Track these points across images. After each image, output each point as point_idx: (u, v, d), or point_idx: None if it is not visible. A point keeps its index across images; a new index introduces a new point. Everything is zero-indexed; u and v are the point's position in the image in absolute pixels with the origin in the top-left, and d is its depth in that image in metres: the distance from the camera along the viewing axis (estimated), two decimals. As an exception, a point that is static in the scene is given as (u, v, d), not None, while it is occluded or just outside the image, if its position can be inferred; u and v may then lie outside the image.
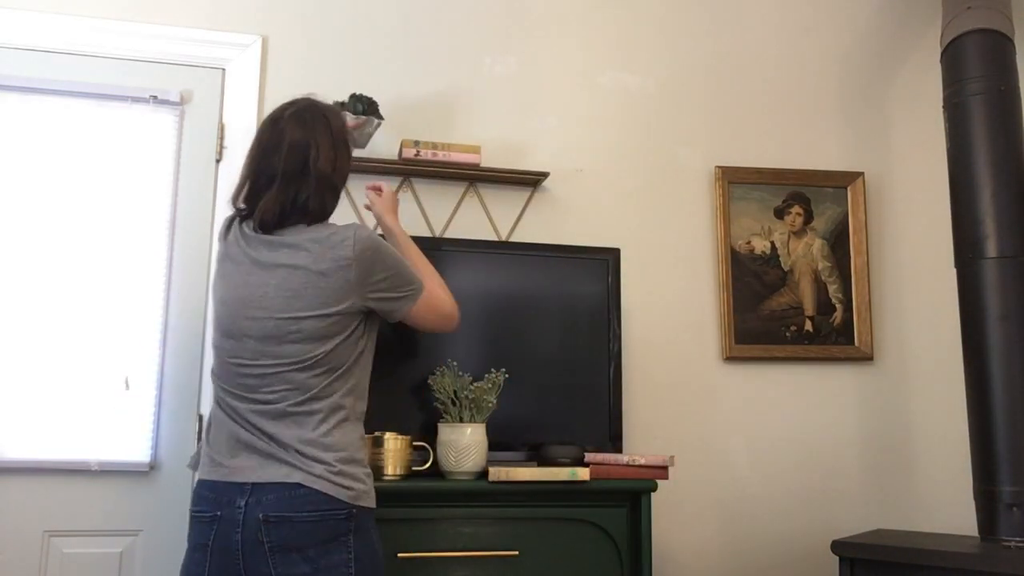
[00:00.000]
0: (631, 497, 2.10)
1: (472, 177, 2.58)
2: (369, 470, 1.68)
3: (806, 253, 2.79)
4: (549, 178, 2.67)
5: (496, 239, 2.58)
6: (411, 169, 2.52)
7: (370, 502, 1.63)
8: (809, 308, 2.76)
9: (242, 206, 1.73)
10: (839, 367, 2.78)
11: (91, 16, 2.45)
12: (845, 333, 2.76)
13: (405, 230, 2.04)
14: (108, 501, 2.30)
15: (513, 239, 2.60)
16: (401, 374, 2.21)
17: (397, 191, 2.55)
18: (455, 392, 2.10)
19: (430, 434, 2.14)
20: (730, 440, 2.68)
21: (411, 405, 2.21)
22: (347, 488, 1.58)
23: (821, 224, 2.81)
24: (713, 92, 2.84)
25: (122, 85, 2.44)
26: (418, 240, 2.32)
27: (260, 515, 1.54)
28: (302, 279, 1.62)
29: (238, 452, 1.61)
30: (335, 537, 1.56)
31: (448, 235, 2.56)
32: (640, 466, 2.09)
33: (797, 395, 2.74)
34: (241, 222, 1.73)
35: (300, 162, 1.68)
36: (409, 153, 2.48)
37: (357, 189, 2.42)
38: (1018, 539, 2.24)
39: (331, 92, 2.49)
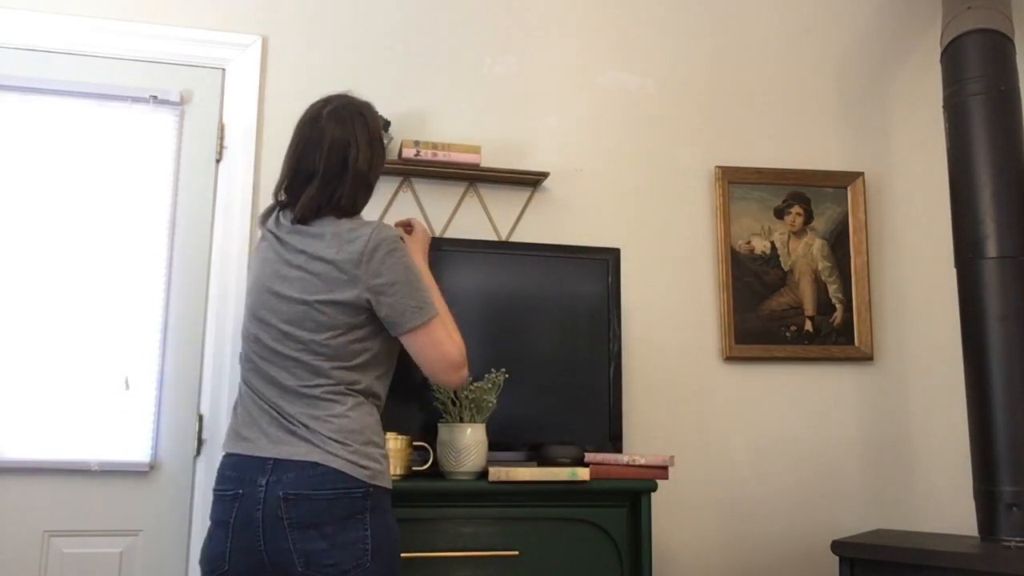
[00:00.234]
0: (631, 497, 2.10)
1: (472, 177, 2.58)
2: (386, 452, 1.71)
3: (806, 253, 2.79)
4: (549, 178, 2.67)
5: (496, 239, 2.58)
6: (411, 169, 2.52)
7: (386, 483, 1.67)
8: (809, 308, 2.76)
9: (283, 197, 1.78)
10: (839, 367, 2.78)
11: (91, 16, 2.45)
12: (845, 333, 2.76)
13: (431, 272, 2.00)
14: (108, 501, 2.30)
15: (513, 239, 2.60)
16: (401, 374, 2.20)
17: (396, 192, 2.55)
18: (455, 392, 2.10)
19: (430, 434, 2.14)
20: (730, 440, 2.69)
21: (411, 405, 2.21)
22: (364, 468, 1.62)
23: (821, 224, 2.81)
24: (713, 92, 2.84)
25: (122, 85, 2.44)
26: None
27: (280, 493, 1.59)
28: (320, 268, 1.68)
29: (261, 430, 1.66)
30: (352, 514, 1.60)
31: (448, 235, 2.56)
32: (640, 466, 2.09)
33: (797, 395, 2.74)
34: (280, 211, 1.78)
35: (340, 160, 1.73)
36: (409, 153, 2.48)
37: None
38: (1018, 539, 2.24)
39: (331, 92, 2.50)
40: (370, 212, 2.18)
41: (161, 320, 2.39)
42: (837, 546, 2.30)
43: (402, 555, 1.92)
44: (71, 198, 2.38)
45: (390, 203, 2.55)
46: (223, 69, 2.52)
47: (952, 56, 2.53)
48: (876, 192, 2.88)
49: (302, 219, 1.72)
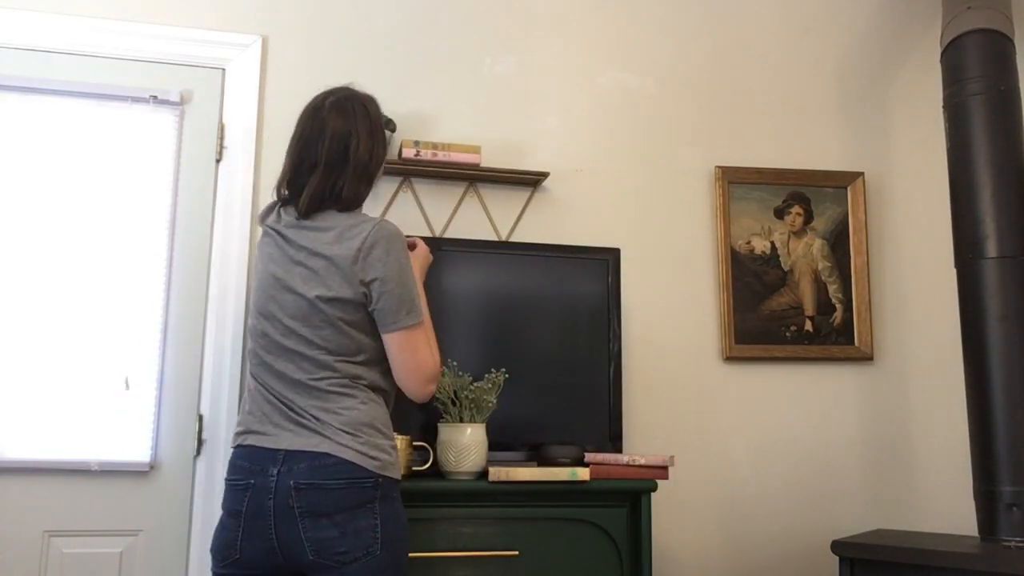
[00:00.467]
0: (631, 497, 2.10)
1: (472, 177, 2.58)
2: (395, 443, 1.73)
3: (806, 253, 2.79)
4: (549, 178, 2.67)
5: (496, 239, 2.58)
6: (411, 169, 2.52)
7: (395, 473, 1.69)
8: (809, 308, 2.76)
9: (284, 193, 1.79)
10: (839, 367, 2.78)
11: (91, 16, 2.45)
12: (845, 333, 2.76)
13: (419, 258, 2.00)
14: (108, 501, 2.30)
15: (513, 239, 2.60)
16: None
17: (396, 192, 2.55)
18: (455, 392, 2.10)
19: (430, 434, 2.14)
20: (730, 440, 2.69)
21: (411, 405, 2.20)
22: (373, 458, 1.64)
23: (821, 224, 2.81)
24: (713, 92, 2.84)
25: (122, 85, 2.44)
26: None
27: (291, 482, 1.61)
28: (320, 264, 1.70)
29: (272, 423, 1.68)
30: (362, 504, 1.62)
31: (448, 235, 2.56)
32: (640, 466, 2.09)
33: (797, 395, 2.74)
34: (282, 207, 1.80)
35: (341, 151, 1.75)
36: (409, 153, 2.48)
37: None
38: (1018, 539, 2.24)
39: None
40: (370, 212, 2.18)
41: (161, 320, 2.39)
42: (837, 546, 2.30)
43: (402, 555, 1.92)
44: (71, 198, 2.38)
45: (390, 203, 2.55)
46: (223, 69, 2.52)
47: (952, 56, 2.53)
48: (876, 192, 2.88)
49: (305, 212, 1.73)
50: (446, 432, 2.07)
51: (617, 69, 2.79)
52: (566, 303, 2.38)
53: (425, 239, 2.33)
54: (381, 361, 1.74)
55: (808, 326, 2.75)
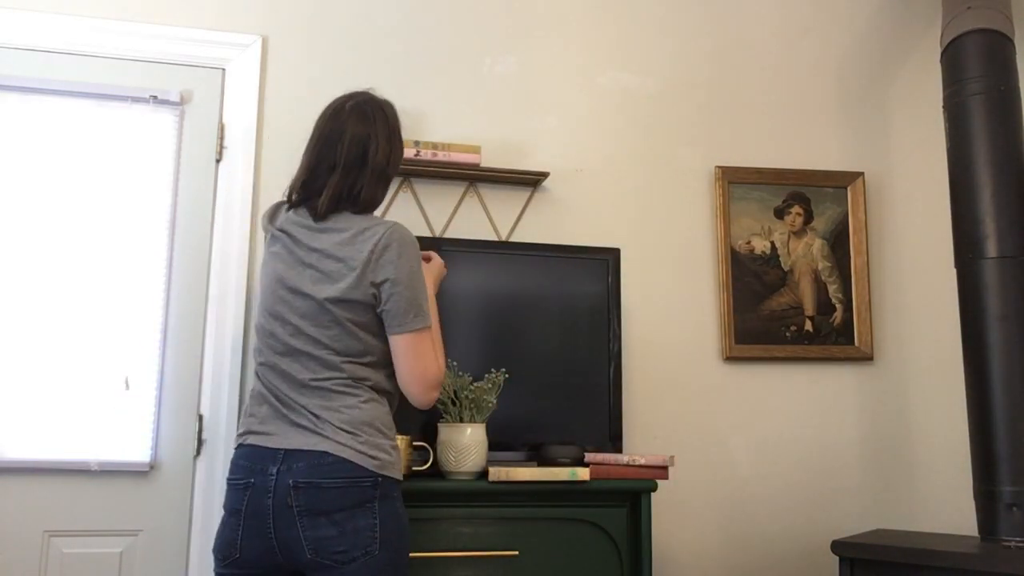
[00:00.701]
0: (631, 497, 2.10)
1: (472, 177, 2.58)
2: (396, 443, 1.73)
3: (806, 253, 2.79)
4: (549, 178, 2.67)
5: (496, 239, 2.58)
6: (411, 169, 2.52)
7: (396, 473, 1.69)
8: (809, 308, 2.76)
9: (296, 195, 1.80)
10: (839, 367, 2.78)
11: (91, 16, 2.45)
12: (845, 333, 2.76)
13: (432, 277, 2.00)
14: (108, 501, 2.30)
15: (513, 239, 2.60)
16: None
17: (396, 192, 2.55)
18: (455, 392, 2.10)
19: (430, 434, 2.14)
20: (730, 440, 2.69)
21: (411, 405, 2.21)
22: (373, 458, 1.65)
23: (821, 224, 2.81)
24: (713, 92, 2.84)
25: (122, 85, 2.44)
26: (418, 240, 2.33)
27: (290, 481, 1.62)
28: (332, 266, 1.71)
29: (274, 422, 1.69)
30: (361, 503, 1.62)
31: (448, 235, 2.56)
32: (640, 466, 2.09)
33: (797, 395, 2.74)
34: (289, 208, 1.81)
35: (360, 154, 1.77)
36: (409, 153, 2.48)
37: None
38: (1018, 539, 2.24)
39: (331, 92, 2.49)
40: (370, 212, 2.19)
41: (161, 320, 2.39)
42: (837, 546, 2.30)
43: (402, 555, 1.92)
44: (71, 198, 2.38)
45: (390, 203, 2.55)
46: (223, 69, 2.52)
47: (952, 56, 2.53)
48: (876, 192, 2.88)
49: (322, 213, 1.74)
50: (446, 432, 2.07)
51: (617, 69, 2.79)
52: (566, 303, 2.38)
53: (425, 239, 2.33)
54: (387, 363, 1.75)
55: (808, 326, 2.75)
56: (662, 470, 2.09)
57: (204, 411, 2.38)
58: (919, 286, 2.85)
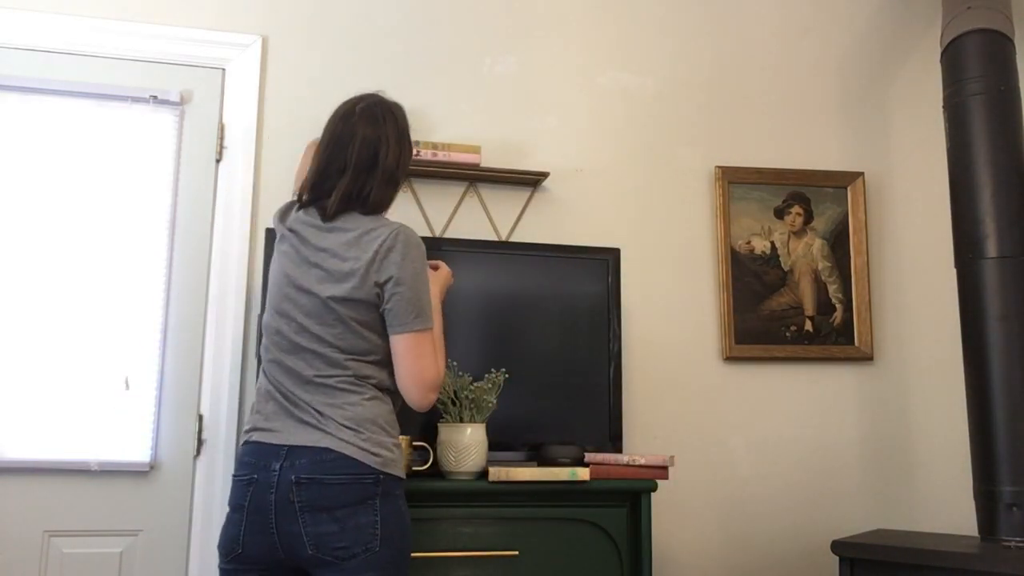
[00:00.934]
0: (631, 497, 2.10)
1: (472, 177, 2.58)
2: (398, 441, 1.74)
3: (806, 253, 2.79)
4: (549, 178, 2.67)
5: (496, 239, 2.58)
6: (411, 169, 2.51)
7: (398, 471, 1.70)
8: (809, 308, 2.76)
9: (306, 196, 1.81)
10: (839, 367, 2.78)
11: (91, 16, 2.45)
12: (845, 333, 2.76)
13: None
14: (108, 501, 2.30)
15: (513, 239, 2.60)
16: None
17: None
18: (455, 392, 2.10)
19: (430, 434, 2.14)
20: (730, 440, 2.69)
21: (411, 405, 2.21)
22: (375, 455, 1.66)
23: (821, 224, 2.81)
24: (713, 92, 2.84)
25: (122, 85, 2.44)
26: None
27: (293, 477, 1.62)
28: (338, 266, 1.72)
29: (279, 419, 1.70)
30: (363, 500, 1.63)
31: (448, 235, 2.56)
32: (640, 466, 2.09)
33: (797, 395, 2.74)
34: (299, 208, 1.82)
35: (370, 156, 1.78)
36: (409, 153, 2.48)
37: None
38: (1018, 539, 2.24)
39: (331, 92, 2.49)
40: (370, 212, 2.18)
41: (161, 320, 2.39)
42: (837, 546, 2.30)
43: (402, 555, 1.92)
44: (71, 198, 2.38)
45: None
46: (223, 69, 2.52)
47: (952, 56, 2.53)
48: (876, 192, 2.88)
49: (331, 214, 1.75)
50: (446, 432, 2.07)
51: (617, 69, 2.79)
52: (566, 303, 2.38)
53: (425, 239, 2.32)
54: (392, 362, 1.76)
55: (808, 326, 2.75)
56: (662, 470, 2.09)
57: (204, 411, 2.38)
58: (919, 286, 2.85)
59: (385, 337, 1.74)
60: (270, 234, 2.29)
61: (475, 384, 2.11)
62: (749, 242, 2.76)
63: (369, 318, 1.72)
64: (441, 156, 2.50)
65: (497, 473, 2.01)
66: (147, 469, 2.33)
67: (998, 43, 2.48)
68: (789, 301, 2.75)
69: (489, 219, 2.61)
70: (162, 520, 2.32)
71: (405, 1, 2.68)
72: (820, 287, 2.78)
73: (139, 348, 2.37)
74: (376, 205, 1.79)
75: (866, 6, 2.99)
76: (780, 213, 2.79)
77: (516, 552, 2.01)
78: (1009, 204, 2.39)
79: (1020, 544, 2.22)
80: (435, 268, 1.99)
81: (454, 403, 2.10)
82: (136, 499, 2.31)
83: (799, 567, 2.66)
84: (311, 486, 1.62)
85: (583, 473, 2.04)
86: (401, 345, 1.72)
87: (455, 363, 2.23)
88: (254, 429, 1.72)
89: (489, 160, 2.62)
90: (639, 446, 2.61)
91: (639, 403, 2.64)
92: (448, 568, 1.98)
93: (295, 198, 1.86)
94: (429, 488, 1.99)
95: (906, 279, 2.85)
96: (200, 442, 2.37)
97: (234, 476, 1.72)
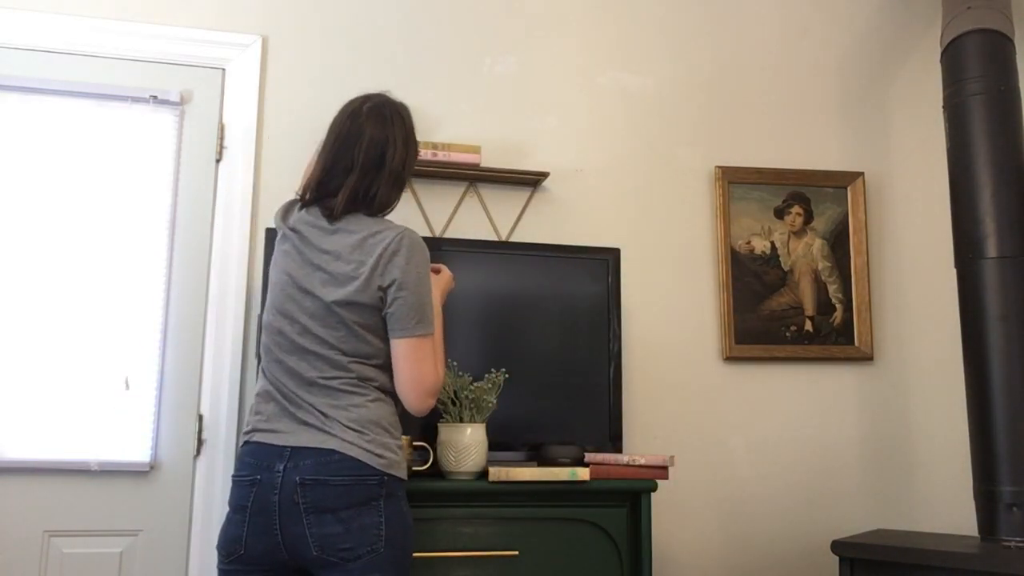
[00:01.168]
0: (631, 497, 2.10)
1: (472, 177, 2.58)
2: (401, 443, 1.74)
3: (806, 253, 2.79)
4: (549, 178, 2.67)
5: (496, 239, 2.58)
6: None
7: (401, 472, 1.70)
8: (809, 308, 2.76)
9: (309, 195, 1.80)
10: (839, 367, 2.78)
11: (91, 16, 2.45)
12: (845, 333, 2.76)
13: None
14: (108, 501, 2.30)
15: (513, 239, 2.60)
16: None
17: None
18: (455, 392, 2.10)
19: (430, 434, 2.14)
20: (730, 440, 2.69)
21: (411, 405, 2.21)
22: (379, 456, 1.66)
23: (821, 224, 2.81)
24: (713, 92, 2.84)
25: (122, 85, 2.44)
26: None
27: (297, 478, 1.62)
28: (341, 269, 1.71)
29: (281, 419, 1.70)
30: (367, 501, 1.63)
31: (448, 235, 2.56)
32: (640, 466, 2.09)
33: (797, 395, 2.74)
34: (302, 207, 1.80)
35: (378, 157, 1.78)
36: (409, 153, 2.48)
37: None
38: (1018, 539, 2.24)
39: (331, 92, 2.50)
40: (370, 212, 2.18)
41: (161, 320, 2.39)
42: (837, 546, 2.30)
43: (402, 555, 1.92)
44: (71, 198, 2.38)
45: (390, 203, 2.55)
46: (223, 69, 2.52)
47: (952, 56, 2.53)
48: (876, 192, 2.88)
49: (337, 214, 1.75)
50: (446, 432, 2.07)
51: (617, 69, 2.79)
52: (566, 303, 2.38)
53: (425, 239, 2.32)
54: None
55: (808, 326, 2.75)
56: (662, 470, 2.09)
57: (204, 411, 2.38)
58: (919, 286, 2.85)
59: (388, 341, 1.73)
60: (270, 234, 2.29)
61: (475, 384, 2.11)
62: (749, 242, 2.76)
63: (372, 322, 1.71)
64: (441, 156, 2.50)
65: (497, 473, 2.01)
66: (147, 469, 2.33)
67: (998, 43, 2.48)
68: (789, 301, 2.75)
69: (489, 219, 2.61)
70: (162, 520, 2.32)
71: (405, 1, 2.68)
72: (820, 287, 2.78)
73: (139, 348, 2.37)
74: (382, 206, 1.79)
75: (866, 6, 2.99)
76: (780, 213, 2.79)
77: (516, 552, 2.01)
78: (1009, 204, 2.39)
79: (1020, 544, 2.22)
80: (436, 272, 1.98)
81: (454, 403, 2.10)
82: (136, 499, 2.32)
83: (799, 567, 2.66)
84: (316, 487, 1.61)
85: (583, 473, 2.04)
86: (401, 350, 1.71)
87: (455, 363, 2.23)
88: (255, 430, 1.72)
89: (489, 160, 2.62)
90: (639, 446, 2.61)
91: (639, 403, 2.64)
92: (448, 568, 1.98)
93: (297, 196, 1.85)
94: (429, 488, 1.99)
95: (906, 279, 2.85)
96: (200, 442, 2.37)
97: (234, 476, 1.71)
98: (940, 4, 2.66)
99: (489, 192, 2.63)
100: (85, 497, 2.29)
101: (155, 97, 2.44)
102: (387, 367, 1.74)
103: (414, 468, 2.09)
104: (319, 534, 1.60)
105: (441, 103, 2.65)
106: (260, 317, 1.91)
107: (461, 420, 2.08)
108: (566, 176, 2.70)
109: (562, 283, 2.39)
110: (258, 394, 1.77)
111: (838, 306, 2.77)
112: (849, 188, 2.83)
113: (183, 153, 2.47)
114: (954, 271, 2.50)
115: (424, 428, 2.18)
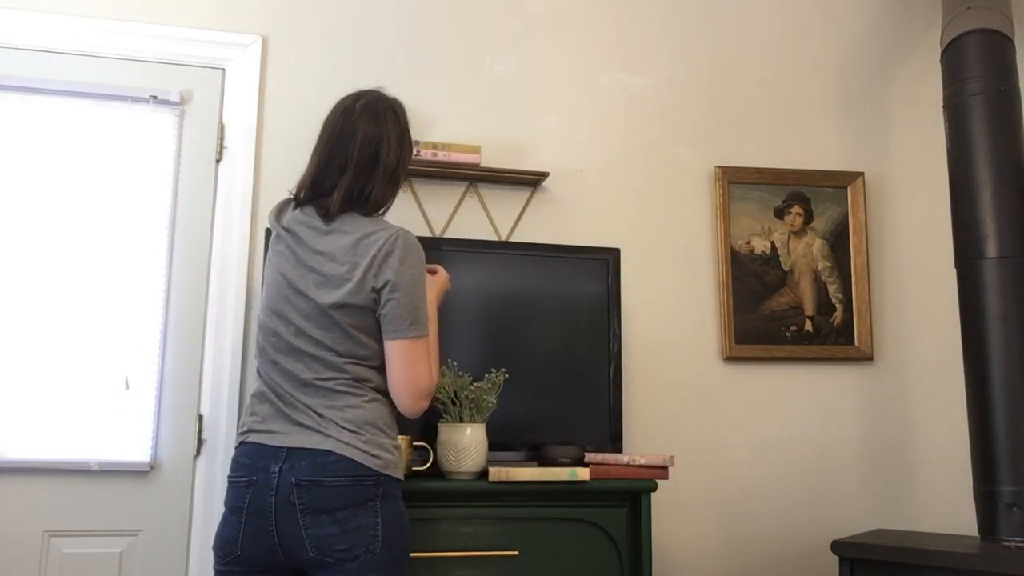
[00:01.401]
0: (631, 497, 2.10)
1: (472, 177, 2.58)
2: (398, 443, 1.73)
3: (806, 253, 2.79)
4: (549, 178, 2.67)
5: (496, 239, 2.58)
6: (411, 169, 2.52)
7: (398, 473, 1.69)
8: (809, 308, 2.76)
9: (303, 194, 1.79)
10: (839, 367, 2.78)
11: (91, 16, 2.45)
12: (845, 333, 2.76)
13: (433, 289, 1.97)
14: (108, 501, 2.30)
15: (513, 239, 2.60)
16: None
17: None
18: (455, 392, 2.10)
19: (430, 434, 2.14)
20: (730, 440, 2.69)
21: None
22: (375, 456, 1.65)
23: (821, 224, 2.81)
24: (713, 92, 2.84)
25: (122, 85, 2.44)
26: (418, 240, 2.33)
27: (293, 479, 1.62)
28: (334, 270, 1.70)
29: (277, 420, 1.69)
30: (364, 501, 1.63)
31: (448, 235, 2.56)
32: (640, 466, 2.09)
33: (797, 395, 2.74)
34: (297, 207, 1.79)
35: (372, 155, 1.76)
36: (409, 153, 2.48)
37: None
38: (1018, 539, 2.24)
39: (331, 92, 2.49)
40: (370, 212, 2.18)
41: (161, 320, 2.39)
42: (837, 546, 2.30)
43: (402, 555, 1.92)
44: (71, 198, 2.38)
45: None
46: (223, 69, 2.52)
47: (952, 56, 2.53)
48: (876, 192, 2.88)
49: (333, 214, 1.73)
50: (446, 432, 2.07)
51: (617, 69, 2.79)
52: (566, 303, 2.38)
53: (425, 239, 2.33)
54: None
55: (808, 326, 2.75)
56: (662, 470, 2.09)
57: (204, 411, 2.38)
58: (919, 286, 2.85)
59: (383, 342, 1.72)
60: (270, 234, 2.29)
61: (475, 384, 2.11)
62: (749, 242, 2.76)
63: (367, 323, 1.70)
64: (441, 156, 2.50)
65: (497, 473, 2.01)
66: (147, 469, 2.33)
67: (998, 43, 2.48)
68: (789, 301, 2.75)
69: (489, 219, 2.61)
70: (162, 520, 2.32)
71: (405, 1, 2.68)
72: (820, 287, 2.78)
73: (139, 348, 2.37)
74: (377, 205, 1.78)
75: (866, 6, 2.99)
76: (780, 213, 2.79)
77: (516, 552, 2.01)
78: (1009, 204, 2.39)
79: (1020, 544, 2.22)
80: (432, 272, 1.97)
81: (454, 403, 2.10)
82: (136, 499, 2.32)
83: (799, 567, 2.66)
84: (312, 488, 1.61)
85: (583, 473, 2.04)
86: (395, 351, 1.71)
87: (455, 363, 2.23)
88: (250, 431, 1.71)
89: (489, 160, 2.62)
90: (639, 446, 2.61)
91: (639, 403, 2.64)
92: (448, 568, 1.98)
93: (291, 195, 1.83)
94: (429, 488, 1.99)
95: (906, 279, 2.85)
96: (200, 442, 2.37)
97: (230, 477, 1.71)
98: (940, 4, 2.66)
99: (489, 192, 2.63)
100: (85, 497, 2.29)
101: (155, 97, 2.44)
102: (383, 368, 1.74)
103: (414, 468, 2.09)
104: (315, 535, 1.60)
105: (441, 103, 2.65)
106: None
107: (461, 420, 2.08)
108: (566, 176, 2.70)
109: (562, 283, 2.39)
110: (253, 395, 1.76)
111: (838, 306, 2.77)
112: (849, 188, 2.83)
113: (183, 153, 2.47)
114: (954, 271, 2.50)
115: (424, 428, 2.18)
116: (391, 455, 1.69)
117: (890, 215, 2.88)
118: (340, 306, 1.68)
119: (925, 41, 2.99)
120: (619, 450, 2.35)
